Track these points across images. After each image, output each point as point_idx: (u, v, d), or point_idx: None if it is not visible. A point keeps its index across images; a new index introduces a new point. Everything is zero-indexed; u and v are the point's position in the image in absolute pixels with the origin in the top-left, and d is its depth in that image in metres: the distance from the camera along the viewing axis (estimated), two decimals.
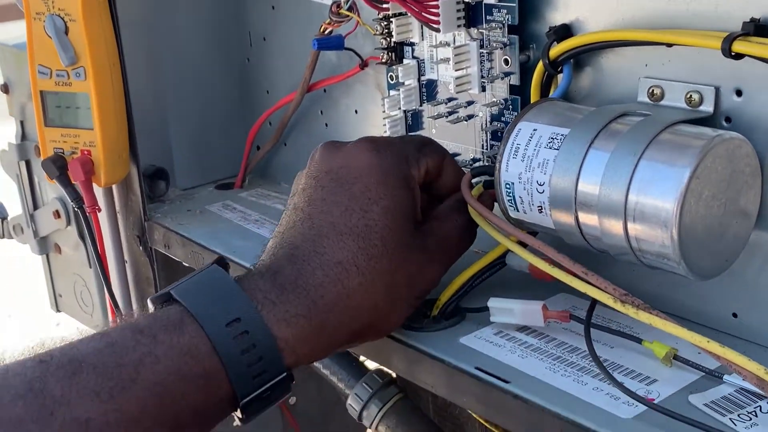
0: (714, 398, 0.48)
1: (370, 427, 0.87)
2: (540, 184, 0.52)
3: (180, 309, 0.48)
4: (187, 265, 0.79)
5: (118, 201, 0.83)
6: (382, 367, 0.91)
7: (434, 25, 0.60)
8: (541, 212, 0.53)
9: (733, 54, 0.47)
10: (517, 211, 0.54)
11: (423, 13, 0.59)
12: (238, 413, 0.49)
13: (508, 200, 0.54)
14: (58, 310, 1.04)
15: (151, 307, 0.50)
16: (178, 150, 0.87)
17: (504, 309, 0.57)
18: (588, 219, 0.50)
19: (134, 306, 0.87)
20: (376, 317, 0.53)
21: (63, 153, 0.76)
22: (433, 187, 0.59)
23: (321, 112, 0.82)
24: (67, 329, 0.68)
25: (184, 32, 0.84)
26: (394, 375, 0.88)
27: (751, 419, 0.46)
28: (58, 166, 0.75)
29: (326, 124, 0.82)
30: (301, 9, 0.79)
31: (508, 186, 0.54)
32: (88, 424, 0.43)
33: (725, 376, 0.49)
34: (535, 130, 0.53)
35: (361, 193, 0.53)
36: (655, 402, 0.48)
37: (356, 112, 0.78)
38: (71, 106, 0.74)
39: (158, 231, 0.81)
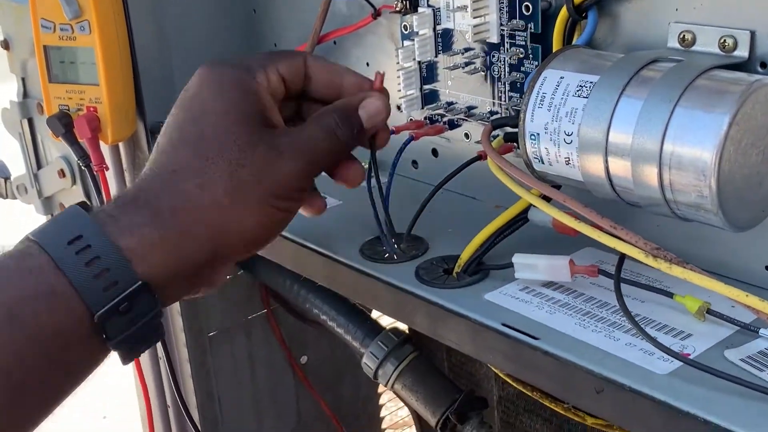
0: (750, 353, 0.47)
1: (386, 386, 0.86)
2: (568, 134, 0.50)
3: (29, 241, 0.48)
4: None
5: (125, 159, 0.81)
6: (397, 325, 0.90)
7: None
8: (569, 164, 0.51)
9: None
10: (542, 163, 0.53)
11: None
12: (105, 336, 0.47)
13: (533, 152, 0.53)
14: None
15: None
16: None
17: (529, 265, 0.55)
18: (619, 169, 0.48)
19: None
20: (225, 218, 0.51)
21: (68, 110, 0.74)
22: (310, 94, 0.57)
23: None
24: None
25: None
26: (409, 333, 0.87)
27: None
28: (64, 124, 0.73)
29: None
30: None
31: (533, 137, 0.52)
32: None
33: (761, 330, 0.47)
34: (561, 78, 0.51)
35: (197, 107, 0.52)
36: (690, 357, 0.47)
37: (368, 64, 0.75)
38: (76, 61, 0.72)
39: None
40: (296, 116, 0.58)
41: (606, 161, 0.49)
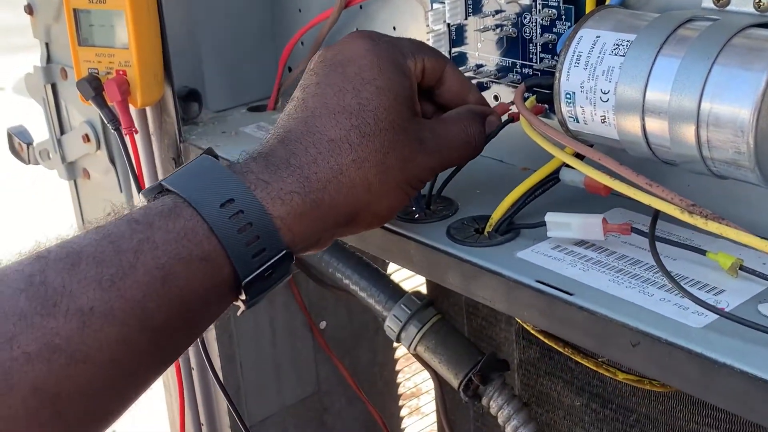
0: None
1: (408, 348, 0.87)
2: (604, 93, 0.51)
3: (173, 197, 0.47)
4: None
5: (152, 123, 0.81)
6: (419, 289, 0.91)
7: None
8: (604, 122, 0.52)
9: None
10: (578, 122, 0.53)
11: None
12: (242, 296, 0.49)
13: (568, 111, 0.53)
14: None
15: (143, 200, 0.50)
16: (209, 71, 0.86)
17: (561, 223, 0.56)
18: (656, 127, 0.49)
19: None
20: (370, 197, 0.52)
21: (98, 73, 0.74)
22: (435, 95, 0.59)
23: (356, 28, 0.80)
24: None
25: None
26: (430, 297, 0.88)
27: None
28: (94, 87, 0.74)
29: None
30: None
31: (568, 96, 0.53)
32: (92, 312, 0.43)
33: None
34: (598, 36, 0.52)
35: (355, 74, 0.53)
36: (725, 310, 0.48)
37: (394, 28, 0.76)
38: (105, 24, 0.72)
39: (194, 153, 0.79)
40: None
41: (643, 119, 0.49)
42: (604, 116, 0.51)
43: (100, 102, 0.74)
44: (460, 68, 0.68)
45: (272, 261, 0.48)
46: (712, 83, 0.47)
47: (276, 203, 0.48)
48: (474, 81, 0.68)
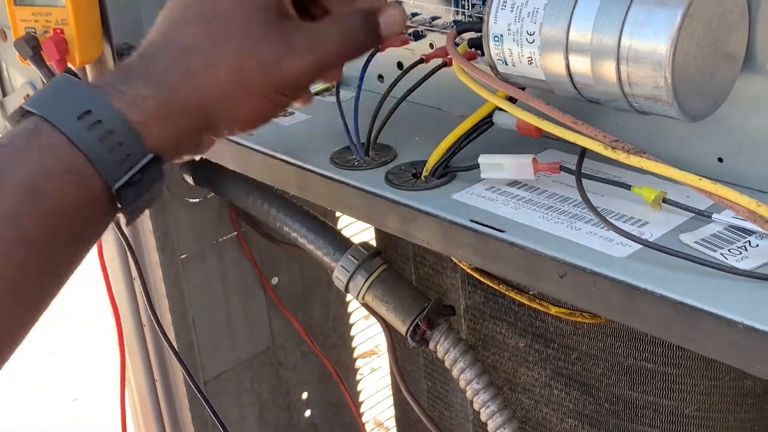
0: (704, 236, 0.50)
1: (357, 297, 0.88)
2: (530, 34, 0.52)
3: (34, 117, 0.48)
4: None
5: (92, 76, 0.81)
6: (365, 240, 0.93)
7: None
8: (531, 63, 0.53)
9: None
10: (506, 65, 0.55)
11: None
12: (119, 205, 0.50)
13: (497, 54, 0.55)
14: None
15: (9, 125, 0.51)
16: (150, 27, 0.85)
17: (494, 164, 0.57)
18: (580, 66, 0.51)
19: None
20: (224, 101, 0.53)
21: (35, 32, 0.74)
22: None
23: None
24: None
25: None
26: (377, 247, 0.89)
27: (741, 253, 0.47)
28: (32, 46, 0.73)
29: None
30: None
31: (496, 39, 0.54)
32: None
33: (714, 215, 0.50)
34: None
35: None
36: (648, 240, 0.50)
37: None
38: None
39: None
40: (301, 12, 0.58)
41: (567, 59, 0.51)
42: (531, 57, 0.53)
43: (39, 61, 0.74)
44: None
45: (139, 165, 0.49)
46: (631, 20, 0.48)
47: (132, 109, 0.49)
48: (410, 29, 0.69)
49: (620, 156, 0.49)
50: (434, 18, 0.67)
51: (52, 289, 0.50)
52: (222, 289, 1.04)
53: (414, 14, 0.68)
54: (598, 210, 0.53)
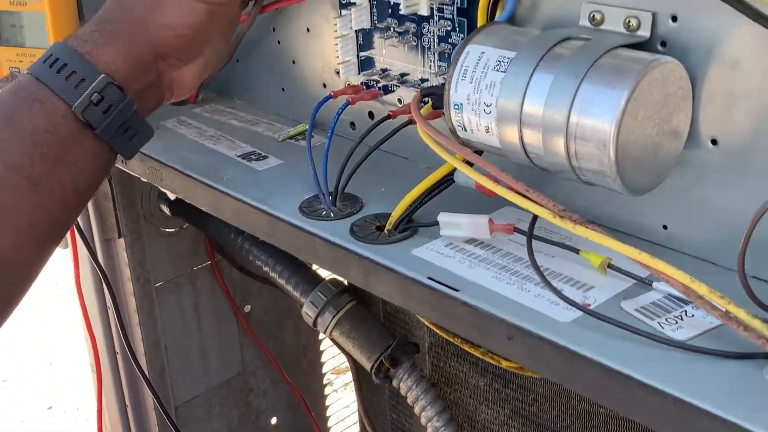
0: (644, 303, 0.52)
1: (324, 333, 0.91)
2: (487, 105, 0.55)
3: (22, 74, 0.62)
4: (145, 180, 0.81)
5: None
6: (335, 276, 0.95)
7: None
8: (488, 132, 0.56)
9: None
10: (465, 131, 0.58)
11: None
12: (92, 126, 0.60)
13: (457, 120, 0.57)
14: None
15: None
16: None
17: (452, 223, 0.60)
18: (532, 138, 0.54)
19: (92, 221, 0.89)
20: (151, 13, 0.62)
21: (19, 71, 0.76)
22: None
23: (273, 29, 0.83)
24: None
25: None
26: (347, 283, 0.92)
27: (677, 322, 0.50)
28: None
29: (278, 41, 0.83)
30: None
31: (456, 107, 0.57)
32: None
33: (654, 283, 0.53)
34: (483, 53, 0.56)
35: None
36: (590, 307, 0.52)
37: (308, 30, 0.79)
38: (26, 26, 0.74)
39: None
40: None
41: (520, 131, 0.54)
42: (488, 126, 0.56)
43: None
44: (367, 71, 0.72)
45: (94, 86, 0.59)
46: (580, 100, 0.51)
47: (82, 43, 0.60)
48: (380, 84, 0.72)
49: (567, 225, 0.52)
50: (403, 74, 0.70)
51: (51, 208, 0.59)
52: (195, 317, 1.07)
53: (384, 70, 0.71)
54: (548, 272, 0.56)
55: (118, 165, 0.83)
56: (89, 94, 0.59)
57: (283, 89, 0.85)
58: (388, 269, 0.59)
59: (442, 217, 0.61)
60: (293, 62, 0.82)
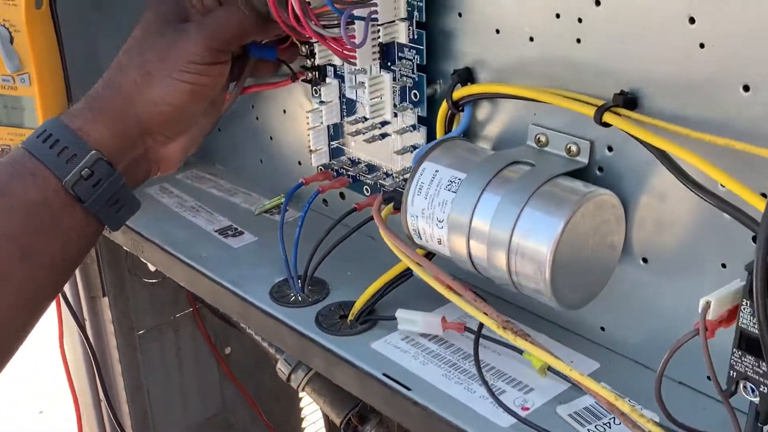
0: (577, 409, 0.58)
1: (297, 389, 0.96)
2: (440, 221, 0.60)
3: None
4: (127, 249, 0.86)
5: None
6: None
7: (351, 60, 0.66)
8: (440, 243, 0.61)
9: (603, 123, 0.55)
10: (420, 238, 0.63)
11: (341, 50, 0.65)
12: (80, 199, 0.63)
13: (413, 229, 0.62)
14: None
15: None
16: None
17: (409, 319, 0.65)
18: (478, 252, 0.59)
19: (78, 280, 0.94)
20: (140, 90, 0.66)
21: (10, 149, 0.81)
22: None
23: (252, 106, 0.88)
24: None
25: (122, 32, 0.88)
26: None
27: (605, 430, 0.56)
28: None
29: (257, 118, 0.88)
30: None
31: (413, 218, 0.62)
32: None
33: None
34: (437, 171, 0.61)
35: (137, 27, 0.68)
36: (528, 411, 0.58)
37: (284, 111, 0.84)
38: (17, 108, 0.79)
39: None
40: None
41: (468, 246, 0.59)
42: (440, 239, 0.61)
43: None
44: (337, 158, 0.77)
45: (84, 162, 0.62)
46: (521, 224, 0.56)
47: (74, 120, 0.64)
48: (349, 173, 0.77)
49: (509, 336, 0.57)
50: (370, 167, 0.75)
51: (39, 276, 0.62)
52: (177, 361, 1.12)
53: (353, 161, 0.76)
54: (493, 371, 0.61)
55: (104, 233, 0.88)
56: (80, 169, 0.62)
57: (261, 161, 0.90)
58: (348, 362, 0.64)
59: (400, 314, 0.66)
60: (270, 138, 0.87)
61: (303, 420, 1.32)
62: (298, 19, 0.60)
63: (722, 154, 0.51)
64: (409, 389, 0.60)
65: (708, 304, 0.46)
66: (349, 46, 0.64)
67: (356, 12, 0.61)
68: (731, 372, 0.47)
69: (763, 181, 0.51)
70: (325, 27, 0.61)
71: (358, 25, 0.63)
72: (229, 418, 1.21)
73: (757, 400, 0.46)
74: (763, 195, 0.51)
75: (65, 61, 0.79)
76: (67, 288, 0.94)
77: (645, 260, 0.59)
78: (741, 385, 0.47)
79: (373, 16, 0.63)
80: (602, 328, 0.64)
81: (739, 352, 0.46)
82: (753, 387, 0.46)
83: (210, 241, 0.81)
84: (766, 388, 0.46)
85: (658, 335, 0.60)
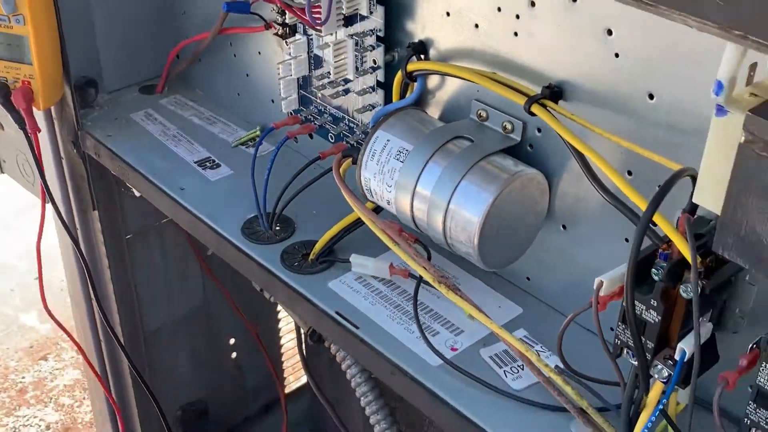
0: (497, 351, 0.68)
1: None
2: (389, 186, 0.69)
3: None
4: (114, 173, 0.94)
5: (55, 110, 0.96)
6: None
7: (317, 29, 0.73)
8: (389, 204, 0.70)
9: (530, 112, 0.63)
10: (372, 196, 0.71)
11: (308, 17, 0.72)
12: None
13: (366, 188, 0.71)
14: (2, 172, 1.17)
15: None
16: (105, 55, 0.99)
17: (361, 264, 0.75)
18: (420, 215, 0.67)
19: (74, 209, 1.02)
20: None
21: (6, 81, 0.88)
22: None
23: (230, 43, 0.94)
24: None
25: None
26: None
27: (518, 372, 0.66)
28: (3, 94, 0.87)
29: (234, 55, 0.95)
30: None
31: (366, 179, 0.70)
32: None
33: None
34: (388, 140, 0.69)
35: None
36: (457, 351, 0.68)
37: (260, 53, 0.91)
38: (12, 44, 0.85)
39: (90, 140, 0.95)
40: None
41: (412, 209, 0.68)
42: (389, 200, 0.69)
43: (9, 107, 0.88)
44: (306, 106, 0.85)
45: None
46: (458, 194, 0.65)
47: None
48: (316, 123, 0.84)
49: (442, 289, 0.66)
50: (335, 118, 0.83)
51: None
52: (162, 262, 1.21)
53: (319, 111, 0.84)
54: (431, 313, 0.71)
55: (93, 156, 0.96)
56: None
57: (238, 94, 0.97)
58: (306, 300, 0.74)
59: (354, 258, 0.75)
60: (247, 75, 0.94)
61: (279, 312, 1.43)
62: None
63: (627, 152, 0.59)
64: (357, 327, 0.70)
65: (601, 283, 0.55)
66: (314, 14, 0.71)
67: None
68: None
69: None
70: None
71: (324, 2, 0.70)
72: (209, 309, 1.31)
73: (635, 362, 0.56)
74: None
75: (57, 2, 0.85)
76: (60, 203, 1.02)
77: (564, 227, 0.68)
78: (625, 351, 0.56)
79: None
80: (528, 278, 0.73)
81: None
82: (632, 353, 0.56)
83: (190, 173, 0.89)
84: None
85: (573, 287, 0.70)
